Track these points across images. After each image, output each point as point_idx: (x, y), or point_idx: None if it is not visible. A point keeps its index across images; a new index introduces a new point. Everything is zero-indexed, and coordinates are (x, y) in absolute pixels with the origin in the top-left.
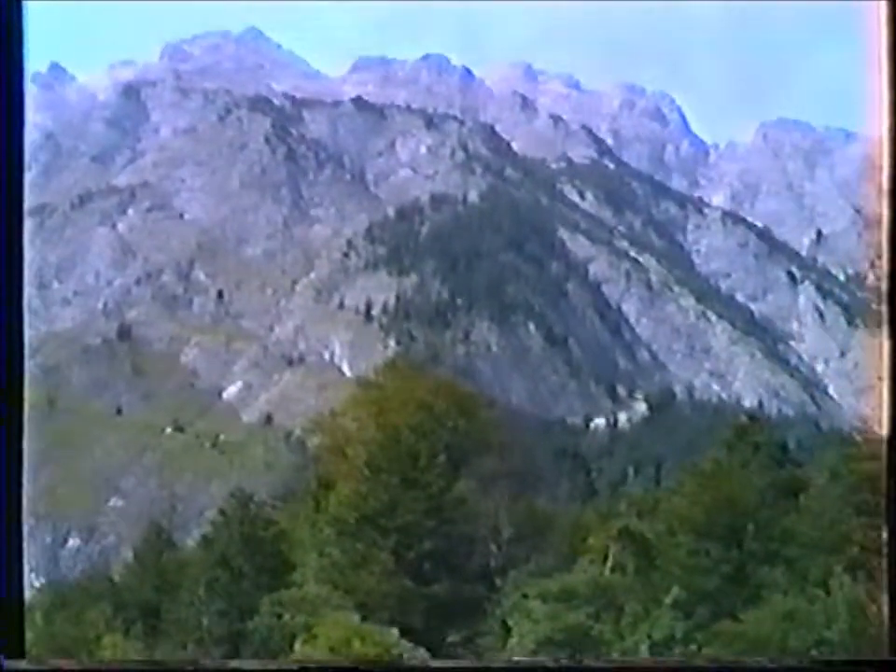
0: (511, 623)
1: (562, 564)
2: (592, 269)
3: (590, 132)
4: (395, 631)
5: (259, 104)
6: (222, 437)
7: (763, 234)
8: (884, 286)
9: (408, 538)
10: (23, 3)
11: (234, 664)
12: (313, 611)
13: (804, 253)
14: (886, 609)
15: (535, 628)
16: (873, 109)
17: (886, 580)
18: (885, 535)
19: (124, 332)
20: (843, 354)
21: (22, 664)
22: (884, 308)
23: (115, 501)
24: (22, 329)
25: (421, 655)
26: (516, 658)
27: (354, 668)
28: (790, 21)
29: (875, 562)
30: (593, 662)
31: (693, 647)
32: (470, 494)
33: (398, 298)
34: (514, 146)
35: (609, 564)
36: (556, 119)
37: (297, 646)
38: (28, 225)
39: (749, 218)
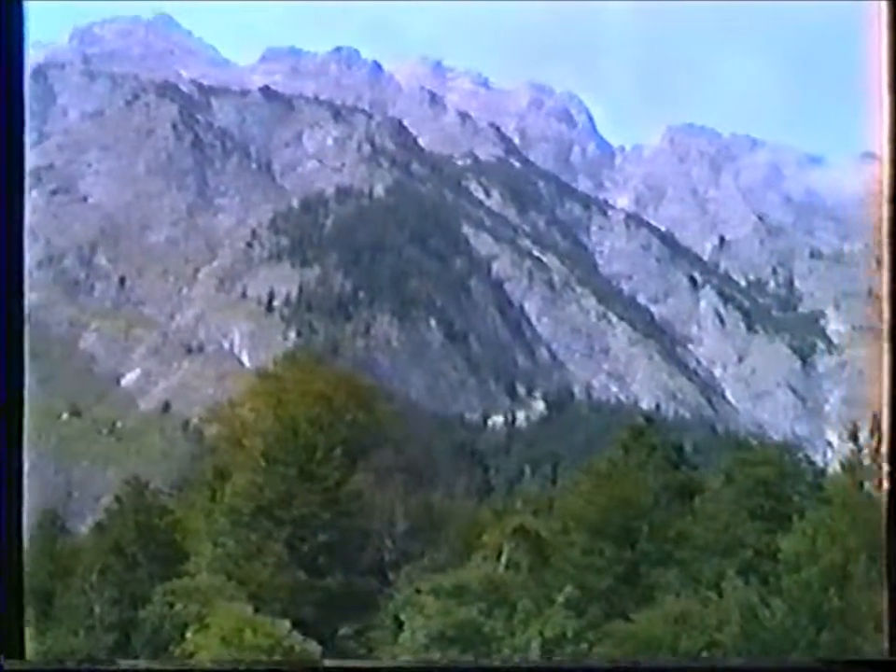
0: (403, 617)
1: (456, 560)
2: (495, 266)
3: (497, 130)
4: (287, 623)
5: (167, 90)
6: (119, 424)
7: (666, 238)
8: (886, 318)
9: (303, 530)
10: (23, 3)
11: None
12: (205, 601)
13: (706, 258)
14: (886, 610)
15: (427, 623)
16: (779, 116)
17: (886, 580)
18: (885, 535)
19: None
20: (741, 359)
21: (23, 664)
22: (885, 340)
23: None
24: (23, 328)
25: (312, 648)
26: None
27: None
28: (701, 25)
29: (767, 565)
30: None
31: (585, 646)
32: (367, 487)
33: (300, 289)
34: (421, 141)
35: (504, 561)
36: (464, 116)
37: (188, 635)
38: None
39: (653, 222)
